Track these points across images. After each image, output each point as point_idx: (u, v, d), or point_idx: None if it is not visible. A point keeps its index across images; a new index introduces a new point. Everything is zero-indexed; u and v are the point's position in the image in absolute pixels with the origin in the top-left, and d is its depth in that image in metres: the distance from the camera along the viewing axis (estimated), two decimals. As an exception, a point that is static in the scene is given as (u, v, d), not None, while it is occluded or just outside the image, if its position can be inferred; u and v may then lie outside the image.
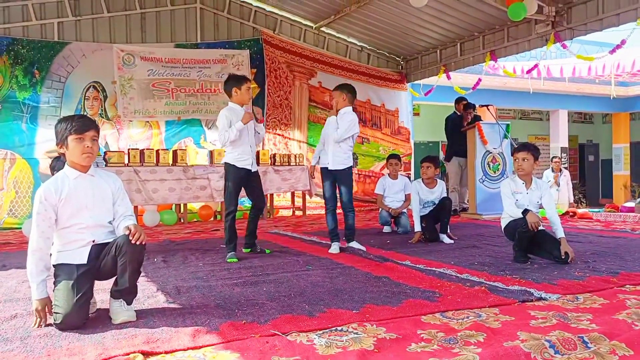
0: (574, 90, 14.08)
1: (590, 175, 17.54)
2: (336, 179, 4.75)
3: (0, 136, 7.71)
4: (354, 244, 4.75)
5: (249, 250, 4.66)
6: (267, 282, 3.34)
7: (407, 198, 6.16)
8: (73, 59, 8.18)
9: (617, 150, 15.92)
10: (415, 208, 5.38)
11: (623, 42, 6.90)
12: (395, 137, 10.92)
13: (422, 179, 5.50)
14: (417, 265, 3.82)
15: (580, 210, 8.42)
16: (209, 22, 9.30)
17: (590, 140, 17.76)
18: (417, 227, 5.30)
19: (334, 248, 4.62)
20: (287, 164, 8.65)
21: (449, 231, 5.35)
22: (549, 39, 7.53)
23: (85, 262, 2.57)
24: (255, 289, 3.15)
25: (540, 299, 2.78)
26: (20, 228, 6.67)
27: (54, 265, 2.60)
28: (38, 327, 2.44)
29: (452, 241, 5.18)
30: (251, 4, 9.58)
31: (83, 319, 2.46)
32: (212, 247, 5.08)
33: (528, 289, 2.95)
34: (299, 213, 9.02)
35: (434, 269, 3.69)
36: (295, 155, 8.91)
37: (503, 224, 4.13)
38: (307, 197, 9.08)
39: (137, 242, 2.49)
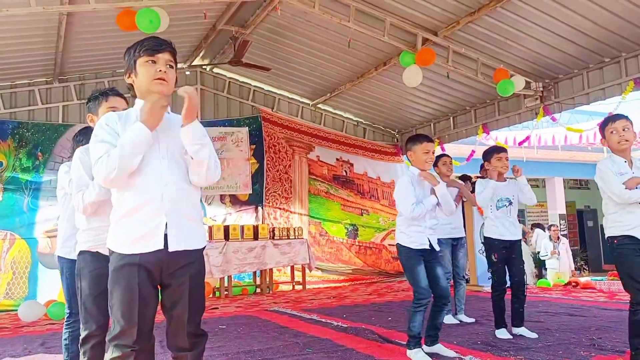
0: (567, 158, 14.32)
1: (591, 241, 17.44)
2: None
3: (2, 217, 7.77)
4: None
5: None
6: (266, 368, 3.26)
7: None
8: (76, 140, 8.37)
9: (616, 216, 15.93)
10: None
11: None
12: (394, 208, 10.99)
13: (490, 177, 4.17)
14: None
15: (583, 280, 8.33)
16: (209, 101, 9.63)
17: (588, 206, 17.82)
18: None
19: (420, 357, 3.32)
20: (286, 237, 8.65)
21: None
22: (538, 112, 7.78)
23: (161, 247, 1.90)
24: (254, 376, 3.07)
25: (545, 383, 2.70)
26: (17, 310, 6.55)
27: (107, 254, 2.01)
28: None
29: (535, 335, 3.96)
30: (250, 84, 9.95)
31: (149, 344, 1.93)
32: (210, 329, 4.97)
33: (533, 372, 2.88)
34: (299, 287, 8.91)
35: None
36: (295, 229, 8.93)
37: (610, 232, 3.04)
38: (307, 270, 9.01)
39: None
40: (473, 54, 7.26)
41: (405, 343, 3.48)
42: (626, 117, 3.11)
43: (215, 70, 9.70)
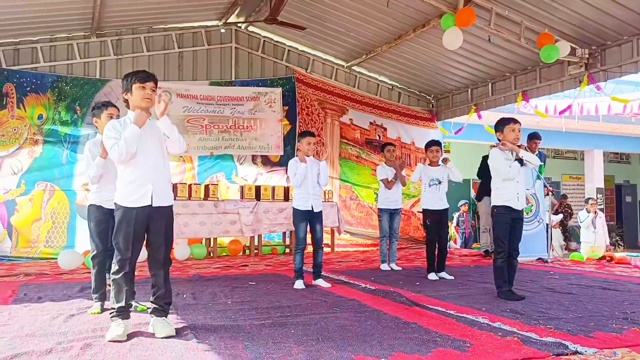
0: (608, 130, 13.86)
1: (628, 217, 17.02)
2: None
3: (42, 169, 8.02)
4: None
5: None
6: (295, 324, 3.33)
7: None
8: (113, 96, 8.48)
9: (656, 191, 15.47)
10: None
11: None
12: (426, 174, 10.86)
13: (429, 162, 5.90)
14: (448, 311, 3.76)
15: (618, 255, 8.16)
16: (244, 60, 9.58)
17: (628, 181, 17.31)
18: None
19: (299, 285, 4.92)
20: (316, 200, 8.67)
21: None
22: (582, 81, 7.48)
23: (149, 203, 3.08)
24: (283, 330, 3.15)
25: (575, 352, 2.69)
26: (56, 259, 6.83)
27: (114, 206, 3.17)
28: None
29: (452, 277, 5.61)
30: (285, 44, 9.84)
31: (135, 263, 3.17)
32: (241, 285, 5.10)
33: (563, 342, 2.87)
34: (327, 250, 8.99)
35: (465, 315, 3.62)
36: (325, 192, 8.94)
37: (493, 202, 4.42)
38: (336, 234, 9.08)
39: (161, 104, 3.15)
40: (517, 17, 6.98)
41: (427, 305, 3.71)
42: (519, 122, 4.48)
43: (250, 28, 9.61)
